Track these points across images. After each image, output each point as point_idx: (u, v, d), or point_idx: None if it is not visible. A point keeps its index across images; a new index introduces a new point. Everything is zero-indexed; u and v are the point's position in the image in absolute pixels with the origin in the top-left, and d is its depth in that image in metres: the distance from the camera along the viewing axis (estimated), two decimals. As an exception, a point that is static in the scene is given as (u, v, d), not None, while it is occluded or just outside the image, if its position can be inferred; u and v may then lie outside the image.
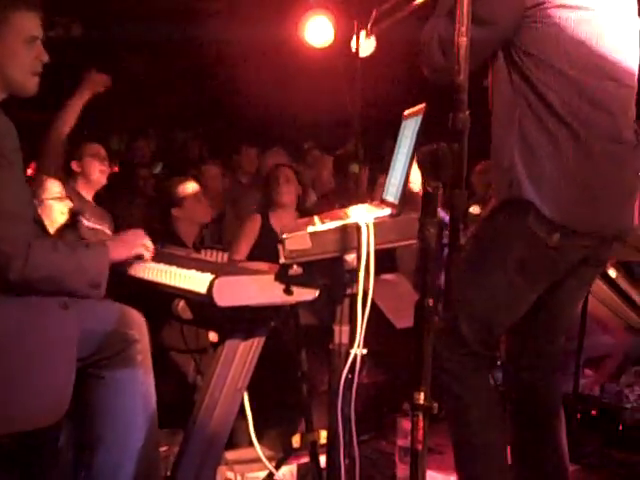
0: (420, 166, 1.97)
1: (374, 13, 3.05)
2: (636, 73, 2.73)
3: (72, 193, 4.63)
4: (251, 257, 4.90)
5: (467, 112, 1.92)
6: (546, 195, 2.55)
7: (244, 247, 5.03)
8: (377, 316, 3.91)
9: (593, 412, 4.37)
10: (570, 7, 2.54)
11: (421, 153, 1.96)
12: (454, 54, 2.13)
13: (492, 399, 2.74)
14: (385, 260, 4.57)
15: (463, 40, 1.91)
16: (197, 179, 5.41)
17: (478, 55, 2.56)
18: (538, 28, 2.55)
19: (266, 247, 4.78)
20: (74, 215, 4.42)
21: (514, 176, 2.58)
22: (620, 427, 4.25)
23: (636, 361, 4.91)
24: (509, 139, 2.62)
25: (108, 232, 4.66)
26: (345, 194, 5.32)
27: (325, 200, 5.79)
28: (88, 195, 4.77)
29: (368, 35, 3.42)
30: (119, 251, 2.80)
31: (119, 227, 4.84)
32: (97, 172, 4.75)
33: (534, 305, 2.74)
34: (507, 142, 2.62)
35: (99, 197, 4.89)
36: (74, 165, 4.74)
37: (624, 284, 5.08)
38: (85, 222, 4.54)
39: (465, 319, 2.65)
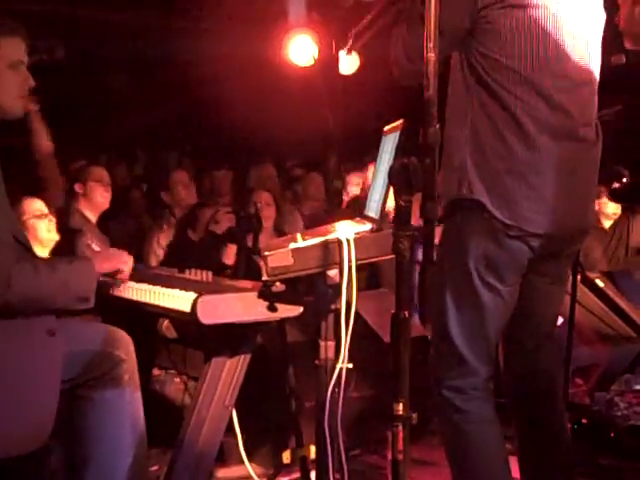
0: (391, 180, 1.99)
1: (352, 31, 3.09)
2: (595, 70, 2.72)
3: (75, 212, 4.67)
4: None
5: (437, 126, 1.95)
6: (496, 196, 2.55)
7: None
8: (365, 330, 3.94)
9: (584, 421, 4.37)
10: (521, 6, 2.54)
11: (392, 168, 1.99)
12: (418, 57, 2.19)
13: (496, 431, 2.69)
14: (371, 275, 4.61)
15: (431, 55, 1.94)
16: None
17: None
18: (491, 29, 2.56)
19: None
20: (77, 235, 4.44)
21: (464, 176, 2.59)
22: (611, 435, 4.25)
23: (626, 369, 4.92)
24: (460, 139, 2.62)
25: None
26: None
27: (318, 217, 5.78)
28: (93, 217, 4.82)
29: (349, 52, 3.45)
30: (103, 264, 2.82)
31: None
32: (99, 197, 4.80)
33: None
34: (459, 142, 2.63)
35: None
36: (77, 187, 4.79)
37: (612, 293, 5.10)
38: (93, 245, 4.57)
39: (456, 331, 2.64)
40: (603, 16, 2.77)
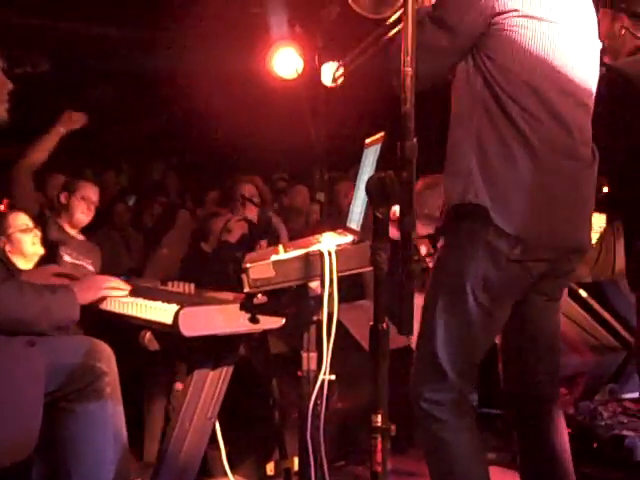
0: (368, 193, 2.01)
1: (350, 54, 3.06)
2: (593, 93, 2.75)
3: (53, 225, 4.66)
4: None
5: (414, 140, 1.96)
6: (498, 204, 2.55)
7: None
8: (348, 341, 3.95)
9: (568, 430, 4.39)
10: (538, 18, 2.55)
11: (369, 181, 2.00)
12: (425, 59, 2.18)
13: (474, 439, 2.69)
14: (354, 286, 4.61)
15: (409, 70, 1.96)
16: None
17: (443, 60, 2.62)
18: (505, 35, 2.55)
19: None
20: (52, 247, 4.43)
21: (470, 181, 2.57)
22: (594, 445, 4.26)
23: (610, 379, 4.95)
24: (466, 145, 2.61)
25: (90, 268, 4.66)
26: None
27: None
28: (71, 231, 4.79)
29: (335, 82, 3.43)
30: (85, 295, 2.83)
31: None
32: (80, 213, 4.77)
33: (510, 327, 2.75)
34: (464, 148, 2.62)
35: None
36: (62, 197, 4.77)
37: (595, 304, 5.13)
38: (65, 256, 4.55)
39: (441, 346, 2.63)
40: (599, 43, 2.80)
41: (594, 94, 2.75)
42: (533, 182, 2.56)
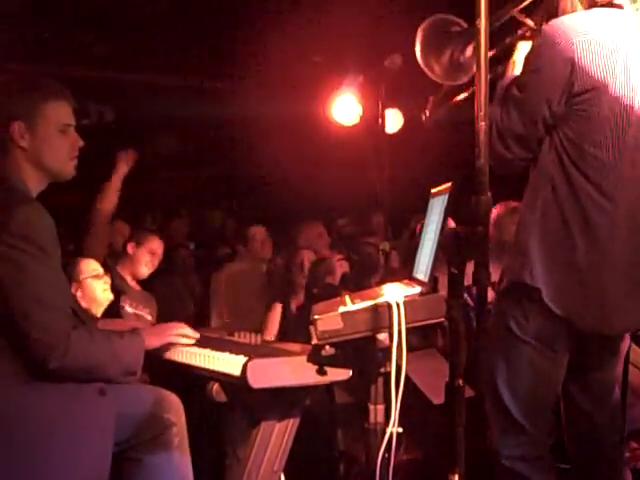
0: (443, 249, 1.99)
1: (430, 100, 3.06)
2: None
3: (115, 275, 4.71)
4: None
5: (489, 194, 1.95)
6: (553, 287, 2.52)
7: (272, 328, 5.04)
8: (413, 391, 3.90)
9: (639, 485, 4.26)
10: (617, 96, 2.49)
11: (444, 235, 1.99)
12: (516, 145, 2.13)
13: None
14: (418, 335, 4.57)
15: (482, 125, 1.95)
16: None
17: (523, 145, 2.58)
18: (584, 116, 2.51)
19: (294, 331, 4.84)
20: (116, 296, 4.48)
21: (527, 261, 2.55)
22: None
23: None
24: (529, 221, 2.60)
25: (149, 318, 4.71)
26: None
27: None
28: (132, 280, 4.84)
29: (427, 122, 3.41)
30: (152, 340, 2.84)
31: (160, 309, 4.90)
32: (144, 265, 4.83)
33: (569, 381, 2.71)
34: (527, 224, 2.61)
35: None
36: (130, 247, 4.83)
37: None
38: (126, 307, 4.61)
39: (512, 403, 2.61)
40: None
41: None
42: (590, 268, 2.52)
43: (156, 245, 4.88)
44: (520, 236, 2.63)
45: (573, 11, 2.61)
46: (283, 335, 4.87)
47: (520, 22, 2.78)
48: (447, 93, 3.19)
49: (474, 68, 2.39)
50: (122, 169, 4.86)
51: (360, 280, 5.24)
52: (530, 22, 2.75)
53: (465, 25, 2.70)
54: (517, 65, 2.74)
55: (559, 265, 2.54)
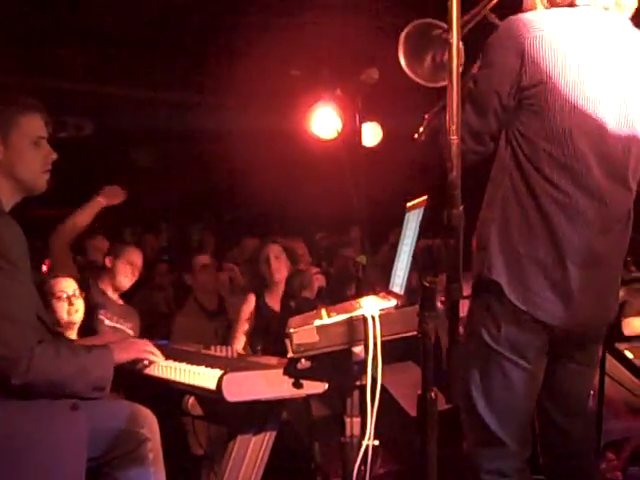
0: (416, 261, 2.00)
1: (426, 118, 3.05)
2: (635, 168, 2.63)
3: (95, 289, 4.69)
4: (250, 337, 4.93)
5: (461, 208, 1.95)
6: (514, 281, 2.51)
7: (241, 333, 5.05)
8: (390, 404, 3.90)
9: (616, 496, 4.28)
10: (569, 92, 2.50)
11: (417, 248, 1.99)
12: (469, 137, 2.18)
13: None
14: (396, 347, 4.57)
15: (454, 138, 1.96)
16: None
17: (478, 140, 2.60)
18: (535, 110, 2.52)
19: (263, 327, 4.87)
20: (93, 311, 4.45)
21: (487, 256, 2.55)
22: (645, 511, 4.16)
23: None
24: (489, 217, 2.59)
25: (130, 332, 4.68)
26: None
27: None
28: (112, 295, 4.82)
29: (419, 137, 3.40)
30: (121, 354, 2.83)
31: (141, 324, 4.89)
32: (124, 277, 4.81)
33: (542, 392, 2.69)
34: (487, 220, 2.60)
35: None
36: (108, 261, 4.81)
37: (642, 365, 5.02)
38: (105, 320, 4.58)
39: (490, 416, 2.58)
40: None
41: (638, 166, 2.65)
42: (552, 260, 2.51)
43: (134, 256, 4.87)
44: (481, 231, 2.62)
45: (534, 9, 2.63)
46: (258, 332, 4.88)
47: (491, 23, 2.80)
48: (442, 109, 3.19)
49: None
50: (100, 202, 4.83)
51: (336, 292, 5.25)
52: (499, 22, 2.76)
53: (446, 27, 2.70)
54: None
55: (520, 260, 2.52)
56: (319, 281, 5.17)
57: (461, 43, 2.47)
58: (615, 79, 2.58)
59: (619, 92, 2.58)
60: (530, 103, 2.53)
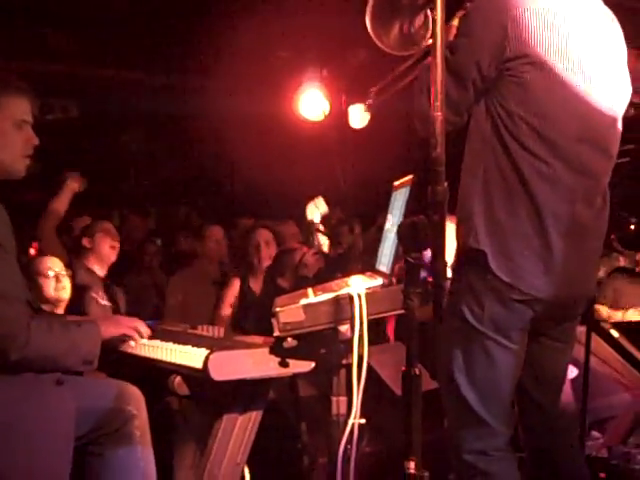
0: (400, 238, 2.00)
1: (373, 90, 3.06)
2: (618, 137, 2.68)
3: (83, 269, 4.69)
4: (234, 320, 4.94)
5: (445, 184, 1.96)
6: (498, 252, 2.51)
7: (227, 307, 5.05)
8: (377, 383, 3.92)
9: (602, 475, 4.30)
10: (551, 63, 2.50)
11: (401, 225, 2.00)
12: (446, 107, 2.17)
13: None
14: (382, 328, 4.60)
15: (438, 115, 1.96)
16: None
17: (455, 110, 2.58)
18: (515, 82, 2.51)
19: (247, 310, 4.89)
20: (83, 290, 4.46)
21: (472, 225, 2.55)
22: (629, 489, 4.18)
23: (644, 422, 4.85)
24: (472, 188, 2.59)
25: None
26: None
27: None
28: (100, 271, 4.83)
29: (367, 110, 3.45)
30: (109, 329, 2.83)
31: (128, 305, 4.90)
32: (108, 248, 4.83)
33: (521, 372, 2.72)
34: (470, 191, 2.59)
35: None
36: (85, 242, 4.82)
37: (627, 344, 5.05)
38: (98, 299, 4.59)
39: (472, 395, 2.57)
40: (629, 87, 2.73)
41: (619, 137, 2.69)
42: (535, 232, 2.52)
43: (106, 226, 4.93)
44: (463, 203, 2.62)
45: None
46: (241, 315, 4.88)
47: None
48: (390, 83, 3.20)
49: (425, 40, 2.41)
50: (67, 195, 4.84)
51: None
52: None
53: None
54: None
55: (504, 232, 2.52)
56: (319, 262, 5.14)
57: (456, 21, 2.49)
58: (599, 53, 2.59)
59: (603, 66, 2.60)
60: (512, 74, 2.51)
